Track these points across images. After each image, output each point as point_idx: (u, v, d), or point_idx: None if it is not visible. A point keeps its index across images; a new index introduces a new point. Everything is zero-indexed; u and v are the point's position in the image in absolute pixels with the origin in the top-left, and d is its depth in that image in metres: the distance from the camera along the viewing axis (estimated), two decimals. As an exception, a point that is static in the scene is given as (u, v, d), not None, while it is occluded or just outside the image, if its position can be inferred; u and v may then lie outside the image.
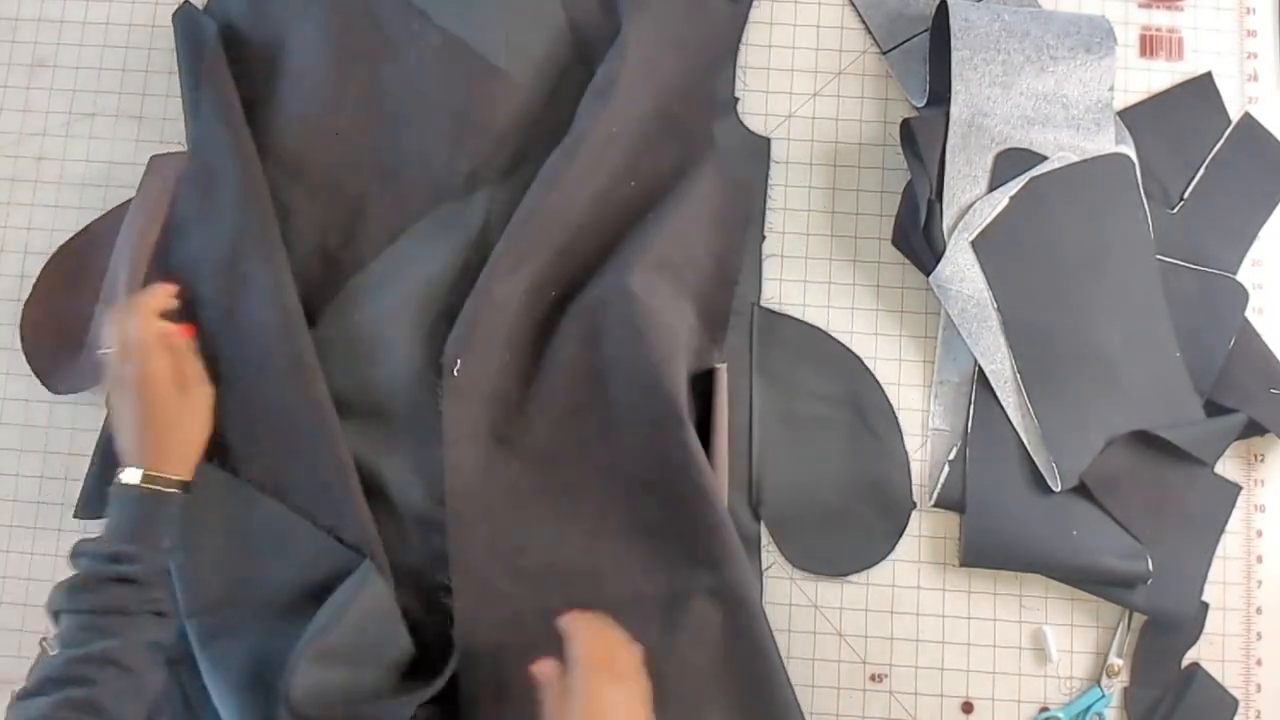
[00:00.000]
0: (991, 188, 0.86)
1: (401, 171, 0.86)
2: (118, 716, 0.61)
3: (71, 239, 0.89)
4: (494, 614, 0.79)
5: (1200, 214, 0.89)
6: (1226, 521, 0.85)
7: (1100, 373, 0.84)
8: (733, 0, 0.91)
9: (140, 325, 0.70)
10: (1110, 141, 0.88)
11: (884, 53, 0.92)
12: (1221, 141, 0.90)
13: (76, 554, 0.67)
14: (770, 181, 0.89)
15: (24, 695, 0.63)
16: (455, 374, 0.77)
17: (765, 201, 0.89)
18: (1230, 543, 0.85)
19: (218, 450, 0.81)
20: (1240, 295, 0.88)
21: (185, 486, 0.67)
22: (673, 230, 0.84)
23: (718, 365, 0.84)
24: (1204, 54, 0.92)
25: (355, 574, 0.77)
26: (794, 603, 0.84)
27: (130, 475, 0.67)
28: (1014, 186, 0.85)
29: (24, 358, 0.87)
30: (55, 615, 0.66)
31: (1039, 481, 0.83)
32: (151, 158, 0.88)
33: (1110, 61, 0.88)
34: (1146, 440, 0.83)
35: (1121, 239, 0.86)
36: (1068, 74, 0.87)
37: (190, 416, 0.69)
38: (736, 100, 0.90)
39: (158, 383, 0.67)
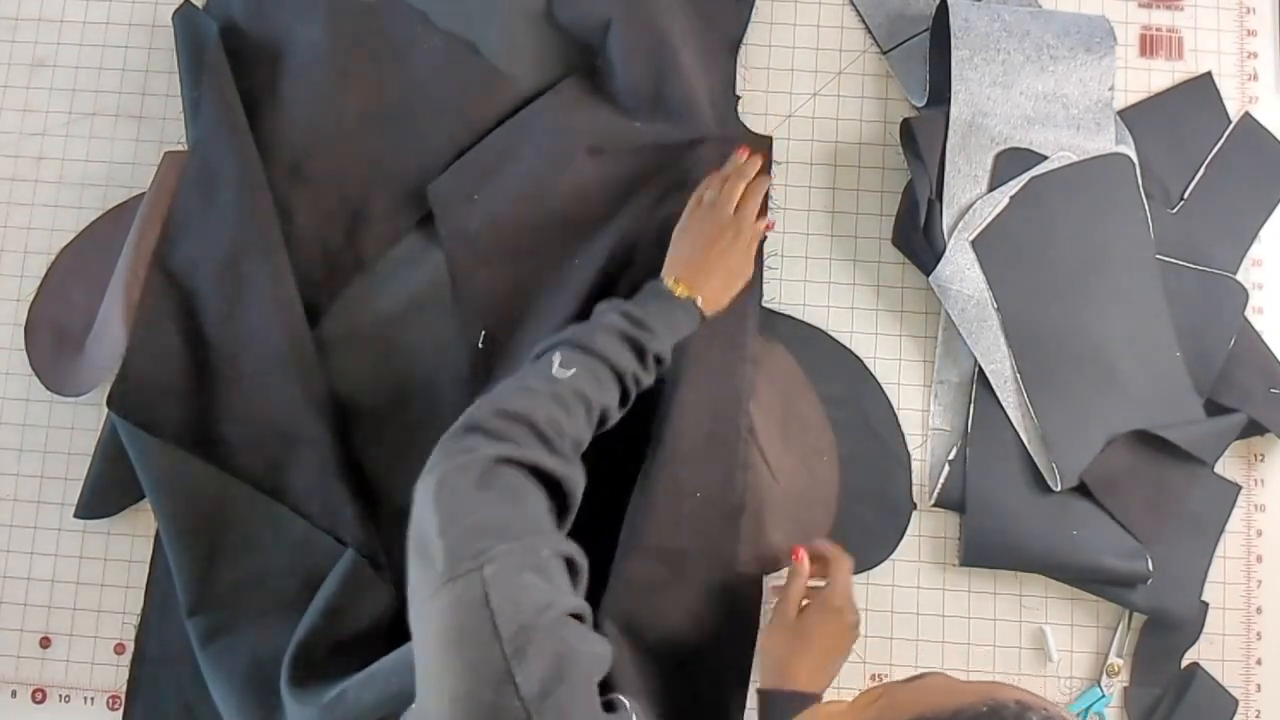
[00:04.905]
0: (991, 188, 0.86)
1: (402, 172, 0.86)
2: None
3: (73, 240, 0.89)
4: None
5: (1200, 214, 0.89)
6: (1226, 521, 0.85)
7: (1100, 372, 0.84)
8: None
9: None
10: (1110, 141, 0.88)
11: (884, 53, 0.92)
12: (1221, 141, 0.90)
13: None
14: (770, 181, 0.89)
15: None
16: (480, 346, 0.77)
17: (766, 201, 0.89)
18: (1230, 543, 0.85)
19: (218, 450, 0.81)
20: (1240, 295, 0.88)
21: (703, 319, 0.76)
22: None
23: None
24: (1204, 54, 0.92)
25: (340, 564, 0.78)
26: (794, 603, 0.84)
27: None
28: (1014, 186, 0.85)
29: (24, 358, 0.87)
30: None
31: (1039, 481, 0.83)
32: (165, 154, 0.88)
33: (1110, 61, 0.88)
34: (1146, 440, 0.83)
35: (1121, 239, 0.86)
36: (1068, 74, 0.87)
37: (735, 268, 0.79)
38: (737, 99, 0.90)
39: (724, 231, 0.78)
